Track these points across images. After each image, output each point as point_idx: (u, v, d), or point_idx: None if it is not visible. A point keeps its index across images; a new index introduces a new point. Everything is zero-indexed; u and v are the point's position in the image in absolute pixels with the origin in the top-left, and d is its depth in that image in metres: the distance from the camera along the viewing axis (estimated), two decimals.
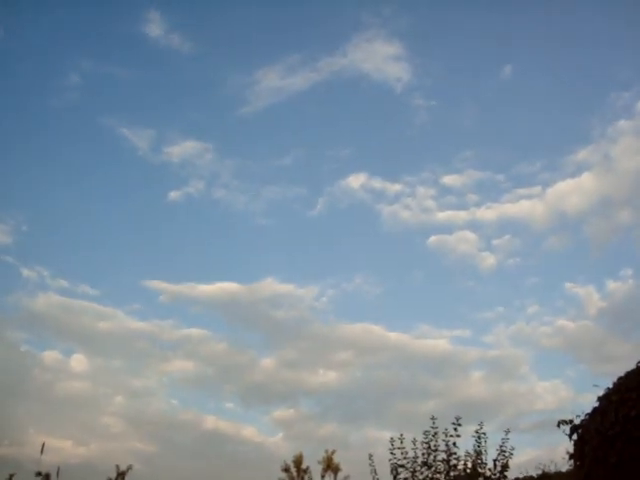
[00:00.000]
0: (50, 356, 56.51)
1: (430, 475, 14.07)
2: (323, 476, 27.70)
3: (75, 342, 61.66)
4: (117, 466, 25.76)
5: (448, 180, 63.87)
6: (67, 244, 62.20)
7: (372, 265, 67.99)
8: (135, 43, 58.26)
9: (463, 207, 67.05)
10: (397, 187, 64.81)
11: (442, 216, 63.24)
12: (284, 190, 65.86)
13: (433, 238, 63.53)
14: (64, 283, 58.81)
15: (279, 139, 65.65)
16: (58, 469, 16.31)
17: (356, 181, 62.11)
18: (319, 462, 27.87)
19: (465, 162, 67.44)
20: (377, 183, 62.93)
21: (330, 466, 27.68)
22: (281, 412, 60.18)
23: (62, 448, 38.62)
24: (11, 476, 25.68)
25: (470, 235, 63.44)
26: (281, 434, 62.21)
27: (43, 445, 14.56)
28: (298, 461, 28.12)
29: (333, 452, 28.10)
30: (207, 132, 64.16)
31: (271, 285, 60.43)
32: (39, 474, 23.66)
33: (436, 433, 14.26)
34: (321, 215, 63.28)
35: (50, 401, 51.41)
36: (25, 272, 56.88)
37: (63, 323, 57.27)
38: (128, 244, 62.76)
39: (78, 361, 56.68)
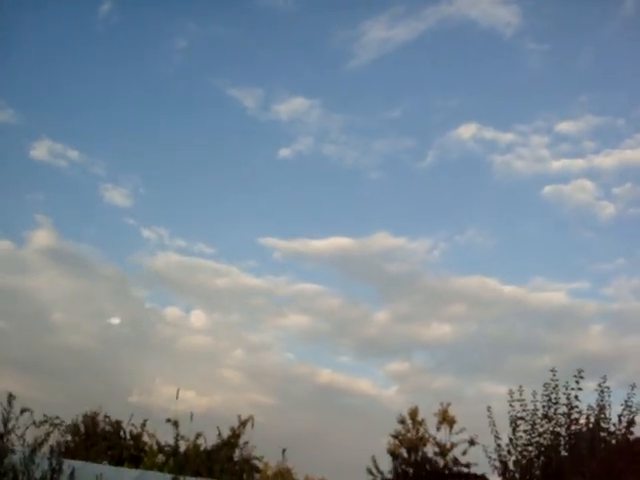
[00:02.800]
0: (172, 312, 59.29)
1: (551, 428, 13.85)
2: (438, 428, 27.70)
3: (194, 298, 64.19)
4: (239, 416, 27.04)
5: (563, 127, 60.46)
6: (183, 205, 64.35)
7: (484, 217, 66.04)
8: (238, 2, 58.40)
9: (580, 155, 63.44)
10: (509, 136, 62.18)
11: (557, 165, 60.13)
12: (394, 143, 64.78)
13: (548, 188, 60.59)
14: (182, 242, 61.13)
15: (387, 91, 64.37)
16: (191, 414, 17.50)
17: (467, 131, 60.10)
18: (434, 415, 27.86)
19: (582, 107, 63.39)
20: (488, 133, 60.65)
21: (445, 419, 27.63)
22: (395, 365, 60.45)
23: (186, 398, 40.70)
24: (145, 422, 27.63)
25: (587, 184, 60.07)
26: (395, 387, 62.53)
27: (178, 391, 15.66)
28: (413, 413, 28.31)
29: (448, 405, 27.96)
30: (314, 88, 63.92)
31: (383, 239, 60.21)
32: (169, 420, 25.28)
33: (556, 386, 13.97)
34: (431, 167, 61.90)
35: (173, 354, 54.20)
36: (145, 233, 59.48)
37: (182, 280, 59.81)
38: (241, 202, 64.13)
39: (197, 317, 59.23)
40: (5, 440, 13.29)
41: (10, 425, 13.26)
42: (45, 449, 14.00)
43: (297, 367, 58.56)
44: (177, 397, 16.45)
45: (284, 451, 13.86)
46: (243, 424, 26.81)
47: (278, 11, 57.92)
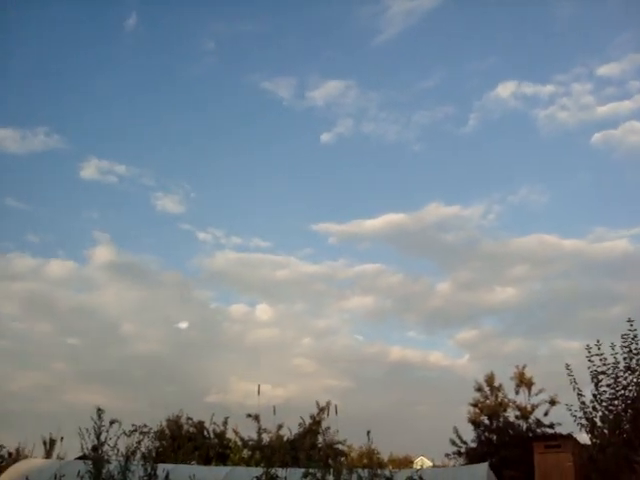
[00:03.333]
0: (237, 309, 60.37)
1: (635, 379, 13.58)
2: (517, 392, 27.50)
3: (257, 293, 65.25)
4: (317, 402, 27.41)
5: (605, 70, 58.66)
6: (234, 203, 65.17)
7: (535, 174, 64.82)
8: None
9: (626, 96, 61.53)
10: (550, 88, 60.73)
11: (603, 110, 58.40)
12: (433, 112, 64.15)
13: (597, 135, 58.96)
14: (237, 240, 62.09)
15: (419, 62, 63.67)
16: (274, 408, 17.86)
17: (505, 90, 58.95)
18: (511, 378, 27.66)
19: (622, 47, 61.43)
20: (528, 88, 59.35)
21: (523, 381, 27.39)
22: (464, 334, 60.27)
23: (262, 391, 41.50)
24: (226, 419, 28.21)
25: (638, 125, 58.15)
26: (467, 355, 62.40)
27: (259, 387, 15.99)
28: (490, 380, 28.14)
29: (523, 367, 27.71)
30: (346, 69, 63.73)
31: (436, 209, 59.86)
32: (249, 415, 25.78)
33: (635, 336, 13.68)
34: (474, 131, 61.06)
35: (243, 350, 55.25)
36: (201, 235, 60.64)
37: (243, 277, 60.72)
38: (290, 193, 64.61)
39: (263, 310, 60.12)
40: (100, 452, 13.77)
41: (103, 437, 13.73)
42: (138, 456, 14.48)
43: (367, 347, 58.91)
44: (259, 393, 16.75)
45: (368, 433, 13.88)
46: (322, 410, 27.15)
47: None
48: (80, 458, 22.62)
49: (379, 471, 13.54)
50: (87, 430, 13.62)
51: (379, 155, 64.46)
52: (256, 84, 61.16)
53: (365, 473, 13.27)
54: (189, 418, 29.12)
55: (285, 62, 65.04)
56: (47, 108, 58.87)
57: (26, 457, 28.29)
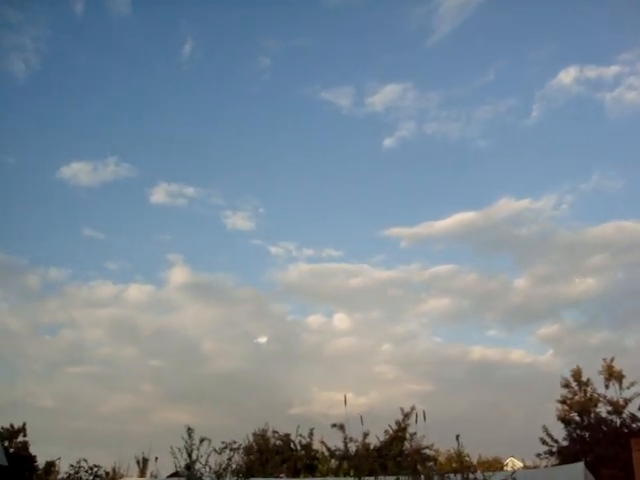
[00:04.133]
0: (314, 320, 60.55)
1: None
2: (607, 386, 26.57)
3: (333, 303, 65.23)
4: (401, 408, 27.21)
5: None
6: (304, 216, 65.66)
7: (606, 159, 62.60)
8: (306, 10, 58.81)
9: None
10: (614, 69, 58.78)
11: None
12: (495, 106, 62.89)
13: None
14: (309, 252, 62.39)
15: (476, 56, 62.60)
16: (361, 417, 17.83)
17: (567, 76, 57.28)
18: (599, 372, 26.76)
19: None
20: (591, 71, 57.51)
21: (612, 374, 26.44)
22: (545, 329, 58.55)
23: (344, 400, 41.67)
24: (311, 430, 28.34)
25: None
26: (550, 351, 60.69)
27: (345, 397, 16.00)
28: (577, 375, 27.32)
29: (612, 360, 26.77)
30: (403, 72, 63.32)
31: (507, 204, 58.51)
32: (334, 425, 25.81)
33: None
34: (539, 121, 59.52)
35: (323, 360, 55.34)
36: (273, 250, 61.22)
37: (318, 288, 60.89)
38: (358, 201, 64.58)
39: (340, 320, 60.12)
40: (193, 469, 14.06)
41: (194, 455, 14.02)
42: (229, 472, 14.71)
43: (447, 349, 58.11)
44: (345, 403, 16.74)
45: (457, 437, 13.69)
46: (407, 416, 26.94)
47: (348, 6, 57.89)
48: (172, 476, 23.23)
49: (471, 475, 13.32)
50: (179, 449, 13.93)
51: (444, 155, 63.75)
52: (314, 96, 61.59)
53: (457, 478, 13.06)
54: (275, 431, 29.42)
55: (341, 71, 65.32)
56: (115, 138, 60.89)
57: (122, 476, 29.21)
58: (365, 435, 25.95)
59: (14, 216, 59.34)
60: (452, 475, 13.34)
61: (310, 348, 57.28)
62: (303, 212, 65.81)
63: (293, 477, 26.60)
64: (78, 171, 56.09)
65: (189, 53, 58.87)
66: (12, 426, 33.82)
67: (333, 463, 27.08)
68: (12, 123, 57.89)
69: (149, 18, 58.06)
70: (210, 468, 14.03)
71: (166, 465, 22.20)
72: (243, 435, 28.34)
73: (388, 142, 61.11)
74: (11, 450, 32.70)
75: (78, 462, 27.41)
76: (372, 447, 26.46)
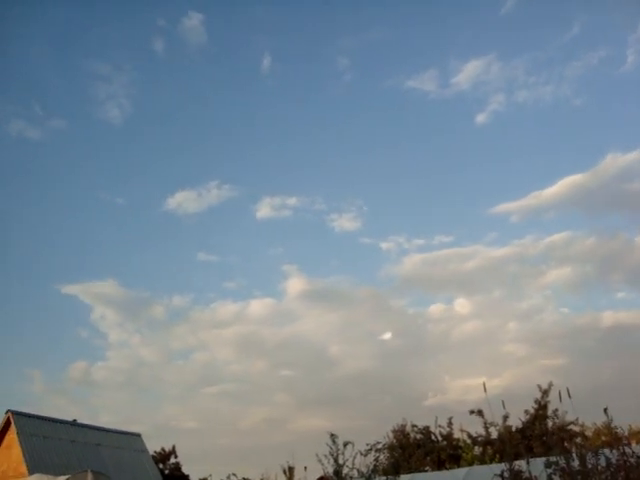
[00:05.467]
0: (436, 309, 59.93)
1: None
2: None
3: (452, 289, 64.25)
4: (539, 386, 26.41)
5: None
6: (408, 207, 65.15)
7: None
8: (375, 1, 58.44)
9: None
10: None
11: None
12: (585, 61, 59.87)
13: None
14: (420, 241, 61.84)
15: (556, 13, 59.35)
16: (502, 402, 17.49)
17: None
18: None
19: None
20: None
21: None
22: None
23: (478, 385, 40.96)
24: (450, 419, 28.12)
25: None
26: None
27: (484, 384, 15.75)
28: None
29: None
30: (482, 45, 61.71)
31: (614, 160, 55.49)
32: (472, 412, 25.47)
33: None
34: (635, 66, 56.02)
35: (451, 347, 54.73)
36: (383, 245, 61.22)
37: (434, 276, 60.21)
38: (460, 183, 63.29)
39: (461, 305, 59.23)
40: (341, 474, 14.29)
41: (340, 460, 14.24)
42: (376, 473, 14.83)
43: (576, 319, 56.07)
44: (485, 390, 16.45)
45: (606, 410, 13.15)
46: (545, 393, 26.13)
47: None
48: None
49: (627, 449, 12.71)
50: (325, 455, 14.20)
51: (540, 120, 61.42)
52: (399, 86, 61.06)
53: (613, 453, 12.52)
54: (414, 425, 29.34)
55: (421, 56, 64.34)
56: (213, 163, 62.94)
57: None
58: (505, 418, 25.40)
59: (131, 253, 62.58)
60: (608, 451, 12.75)
61: (435, 337, 56.83)
62: (407, 203, 65.36)
63: (438, 469, 26.43)
64: (183, 200, 58.41)
65: (269, 67, 59.99)
66: (163, 449, 35.65)
67: (477, 450, 26.70)
68: (116, 166, 61.13)
69: (225, 41, 59.71)
70: (358, 471, 14.21)
71: (311, 471, 22.67)
72: (381, 433, 28.49)
73: (480, 118, 59.69)
74: (166, 472, 34.47)
75: (228, 477, 28.45)
76: (514, 429, 25.87)
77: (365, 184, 64.28)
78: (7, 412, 25.20)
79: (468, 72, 58.29)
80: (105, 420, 54.65)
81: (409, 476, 17.17)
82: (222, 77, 62.04)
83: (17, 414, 25.23)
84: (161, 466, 34.33)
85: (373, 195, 65.01)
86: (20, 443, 24.18)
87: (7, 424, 25.20)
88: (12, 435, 24.88)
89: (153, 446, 34.50)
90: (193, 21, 57.57)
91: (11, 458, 24.60)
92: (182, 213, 59.92)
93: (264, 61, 62.38)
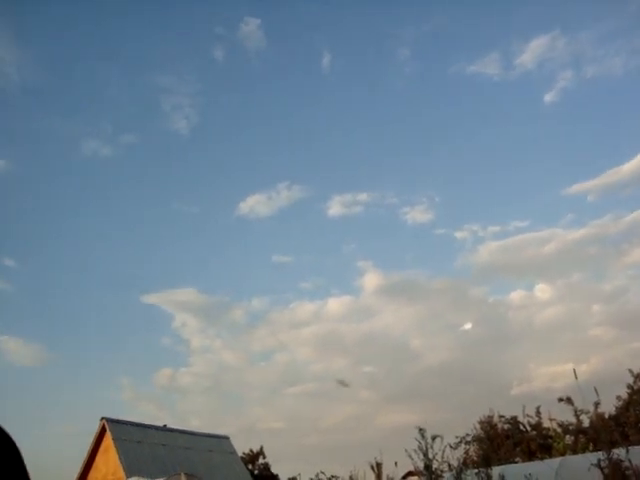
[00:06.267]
0: (516, 296, 58.57)
1: None
2: None
3: (531, 274, 62.58)
4: (630, 370, 25.57)
5: None
6: (480, 195, 63.73)
7: None
8: None
9: None
10: None
11: None
12: None
13: None
14: (495, 228, 60.53)
15: None
16: (595, 388, 16.97)
17: None
18: None
19: None
20: None
21: None
22: None
23: (565, 371, 39.96)
24: (538, 408, 27.55)
25: None
26: None
27: (574, 371, 15.34)
28: None
29: None
30: (544, 21, 59.43)
31: None
32: (561, 399, 24.91)
33: None
34: None
35: (534, 334, 53.33)
36: (458, 235, 60.19)
37: (512, 263, 58.87)
38: (534, 167, 61.57)
39: (542, 290, 57.63)
40: (431, 469, 14.20)
41: (430, 454, 14.16)
42: (467, 466, 14.68)
43: None
44: (576, 376, 16.07)
45: None
46: (638, 377, 25.27)
47: None
48: (406, 476, 23.59)
49: None
50: (414, 450, 14.15)
51: (612, 94, 59.11)
52: (461, 73, 59.97)
53: None
54: (501, 416, 28.86)
55: (482, 40, 63.00)
56: (281, 165, 63.45)
57: None
58: (597, 405, 24.67)
59: (208, 260, 63.79)
60: None
61: (518, 325, 55.56)
62: (479, 191, 64.07)
63: (529, 460, 25.88)
64: (255, 204, 59.04)
65: (329, 65, 59.97)
66: (251, 450, 36.30)
67: (568, 439, 26.02)
68: (187, 176, 62.43)
69: (283, 43, 60.03)
70: (449, 465, 14.11)
71: (400, 466, 22.65)
72: (468, 425, 28.15)
73: (548, 97, 57.94)
74: (255, 472, 35.08)
75: (317, 475, 28.75)
76: (607, 416, 25.08)
77: (434, 174, 63.37)
78: (102, 419, 26.20)
79: (532, 51, 56.73)
80: (193, 424, 55.90)
81: (500, 468, 16.83)
82: (283, 79, 62.45)
83: (111, 421, 26.18)
84: (250, 467, 34.96)
85: (444, 185, 64.09)
86: (116, 448, 25.11)
87: (103, 430, 26.20)
88: (108, 441, 25.86)
89: (241, 448, 35.16)
90: (250, 26, 58.17)
91: (109, 462, 25.58)
92: (254, 217, 60.64)
93: (324, 59, 62.47)
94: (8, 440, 1.04)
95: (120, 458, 24.67)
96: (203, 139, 62.38)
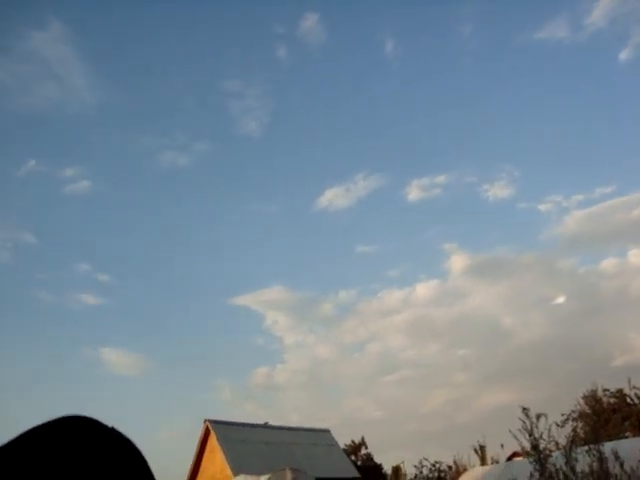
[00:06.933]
0: (608, 264, 56.41)
1: None
2: None
3: (621, 240, 60.15)
4: None
5: None
6: (560, 165, 61.95)
7: None
8: None
9: None
10: None
11: None
12: None
13: None
14: (579, 197, 58.48)
15: None
16: None
17: None
18: None
19: None
20: None
21: None
22: None
23: None
24: None
25: None
26: None
27: None
28: None
29: None
30: None
31: None
32: None
33: None
34: None
35: (631, 303, 51.10)
36: (541, 207, 58.42)
37: (600, 230, 56.62)
38: (618, 125, 59.13)
39: (636, 255, 55.32)
40: (539, 448, 13.87)
41: (536, 433, 13.83)
42: (576, 444, 14.26)
43: None
44: None
45: None
46: None
47: None
48: (511, 457, 23.17)
49: None
50: (519, 430, 13.86)
51: None
52: (529, 41, 57.97)
53: None
54: (605, 389, 27.89)
55: (546, 4, 60.95)
56: (356, 155, 63.34)
57: (464, 468, 29.83)
58: None
59: (292, 257, 64.50)
60: None
61: (613, 294, 53.54)
62: (559, 160, 61.98)
63: None
64: (333, 197, 59.17)
65: (392, 51, 59.45)
66: (353, 442, 36.54)
67: None
68: (264, 176, 63.17)
69: (344, 35, 59.74)
70: (557, 444, 13.74)
71: (505, 446, 22.26)
72: (570, 402, 27.39)
73: (624, 55, 55.33)
74: (358, 463, 35.29)
75: (420, 462, 28.66)
76: None
77: (512, 149, 61.83)
78: (205, 421, 27.01)
79: (602, 8, 54.27)
80: (293, 419, 56.79)
81: (612, 443, 16.21)
82: (347, 70, 62.25)
83: (214, 422, 26.95)
84: (353, 458, 35.19)
85: (522, 158, 62.33)
86: (222, 448, 25.84)
87: (207, 432, 27.03)
88: (213, 441, 26.66)
89: (342, 439, 35.40)
90: (310, 22, 58.36)
91: (216, 462, 26.37)
92: (333, 210, 60.81)
93: (387, 46, 61.97)
94: (136, 453, 1.07)
95: (226, 457, 25.37)
96: (275, 139, 63.02)
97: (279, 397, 57.10)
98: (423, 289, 58.85)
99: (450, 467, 30.33)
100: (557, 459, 14.18)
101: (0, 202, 51.90)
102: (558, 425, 13.84)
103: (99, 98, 56.11)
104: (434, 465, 29.31)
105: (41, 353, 50.52)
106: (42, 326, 53.38)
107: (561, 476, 13.91)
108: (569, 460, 13.54)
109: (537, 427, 14.00)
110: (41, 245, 54.71)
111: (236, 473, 23.64)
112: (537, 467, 14.28)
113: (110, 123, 59.77)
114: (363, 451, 36.42)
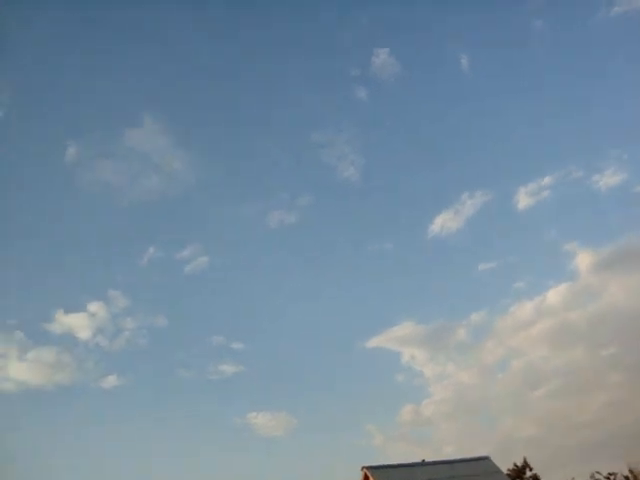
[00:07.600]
0: None
1: None
2: None
3: None
4: None
5: None
6: None
7: None
8: None
9: None
10: None
11: None
12: None
13: None
14: None
15: None
16: None
17: None
18: None
19: None
20: None
21: None
22: None
23: None
24: None
25: None
26: None
27: None
28: None
29: None
30: None
31: None
32: None
33: None
34: None
35: None
36: None
37: None
38: None
39: None
40: None
41: None
42: None
43: None
44: None
45: None
46: None
47: None
48: None
49: None
50: None
51: None
52: (604, 18, 56.64)
53: None
54: None
55: None
56: (466, 174, 63.06)
57: None
58: None
59: (417, 289, 64.04)
60: None
61: None
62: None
63: None
64: (444, 222, 60.16)
65: (468, 65, 59.09)
66: (515, 465, 35.00)
67: None
68: (373, 214, 64.16)
69: (417, 61, 60.21)
70: None
71: None
72: None
73: None
74: None
75: (592, 476, 27.05)
76: None
77: (615, 132, 59.43)
78: (362, 468, 26.91)
79: None
80: (448, 451, 55.76)
81: None
82: (427, 94, 62.60)
83: (371, 468, 26.79)
84: None
85: (628, 140, 59.74)
86: None
87: (366, 478, 26.89)
88: None
89: (503, 464, 34.11)
90: (381, 57, 59.49)
91: None
92: (446, 234, 60.56)
93: (462, 62, 61.70)
94: None
95: None
96: (375, 177, 63.87)
97: (430, 431, 56.28)
98: (554, 295, 56.86)
99: (627, 478, 28.39)
100: None
101: (130, 291, 55.37)
102: None
103: (198, 177, 59.02)
104: (608, 478, 27.52)
105: (197, 426, 52.40)
106: (194, 401, 55.66)
107: None
108: None
109: None
110: (173, 326, 57.60)
111: None
112: None
113: (213, 197, 62.67)
114: (528, 473, 34.73)
